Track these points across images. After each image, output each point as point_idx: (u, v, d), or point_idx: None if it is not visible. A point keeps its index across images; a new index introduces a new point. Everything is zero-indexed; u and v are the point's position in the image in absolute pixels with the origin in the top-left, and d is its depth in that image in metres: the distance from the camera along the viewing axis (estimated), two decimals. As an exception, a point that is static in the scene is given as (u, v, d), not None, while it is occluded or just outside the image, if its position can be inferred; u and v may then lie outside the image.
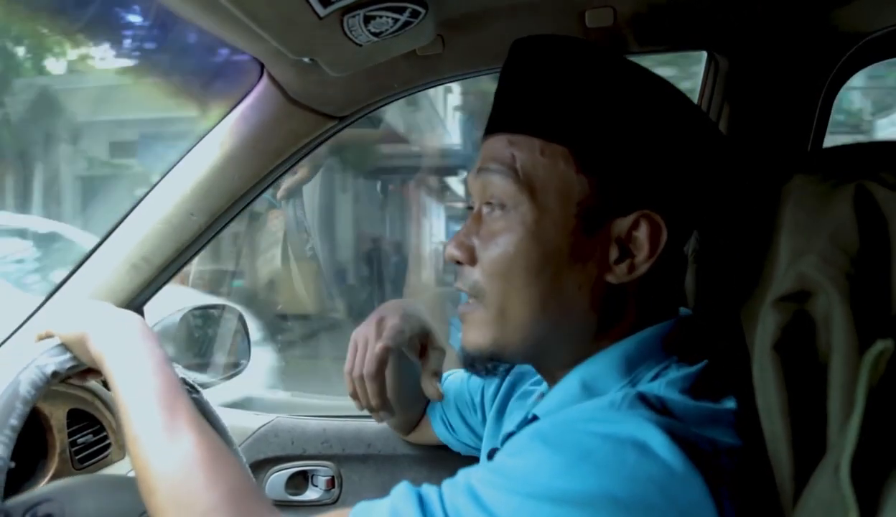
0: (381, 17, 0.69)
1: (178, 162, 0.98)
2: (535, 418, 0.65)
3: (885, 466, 0.38)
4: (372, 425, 1.14)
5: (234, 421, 1.11)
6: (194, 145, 0.97)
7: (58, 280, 1.01)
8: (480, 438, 0.87)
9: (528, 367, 0.80)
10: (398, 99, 0.98)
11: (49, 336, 0.70)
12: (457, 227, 0.71)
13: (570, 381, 0.63)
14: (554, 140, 0.60)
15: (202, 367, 1.17)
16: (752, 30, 0.90)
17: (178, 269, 1.05)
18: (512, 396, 0.80)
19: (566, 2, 0.85)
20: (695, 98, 0.99)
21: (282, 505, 1.16)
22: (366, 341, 0.83)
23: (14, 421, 0.61)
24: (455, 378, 0.97)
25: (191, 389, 0.79)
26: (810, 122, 0.94)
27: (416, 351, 0.86)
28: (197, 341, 1.16)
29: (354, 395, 0.85)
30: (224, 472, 0.58)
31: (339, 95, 0.94)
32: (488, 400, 0.86)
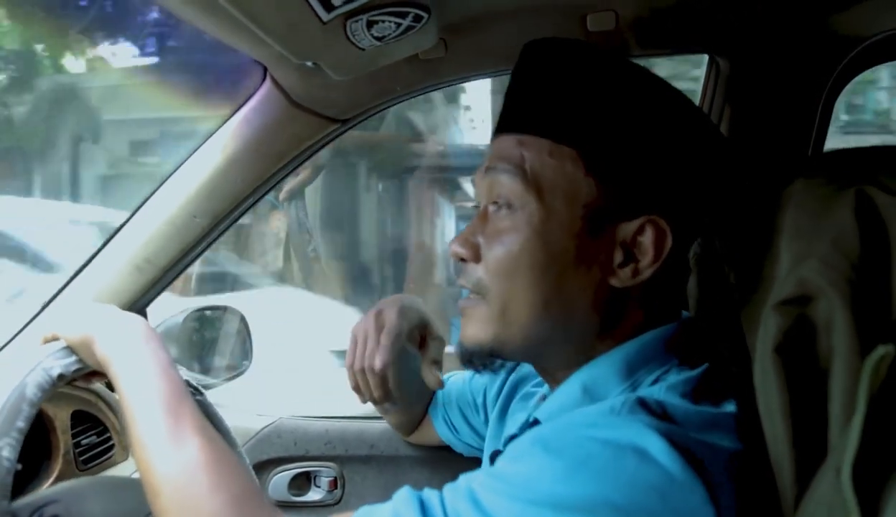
0: (384, 21, 0.70)
1: (181, 164, 0.98)
2: (536, 422, 0.65)
3: (886, 469, 0.38)
4: (375, 426, 1.15)
5: (236, 422, 1.11)
6: (198, 148, 0.97)
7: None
8: (483, 439, 0.87)
9: (530, 369, 0.80)
10: (400, 102, 0.98)
11: (55, 338, 0.70)
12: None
13: (572, 385, 0.63)
14: (563, 142, 0.60)
15: (204, 369, 1.17)
16: (753, 33, 0.90)
17: (181, 271, 1.05)
18: (514, 397, 0.81)
19: (568, 5, 0.85)
20: (694, 100, 0.99)
21: (284, 505, 1.16)
22: (365, 335, 0.83)
23: (21, 423, 0.61)
24: (457, 379, 0.97)
25: (194, 391, 0.79)
26: (811, 125, 0.94)
27: (415, 342, 0.86)
28: (199, 342, 1.16)
29: (356, 388, 0.85)
30: (228, 477, 0.58)
31: (341, 99, 0.94)
32: (490, 400, 0.86)
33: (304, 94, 0.91)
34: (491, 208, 0.63)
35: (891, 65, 0.95)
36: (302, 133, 0.97)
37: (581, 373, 0.63)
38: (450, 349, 0.91)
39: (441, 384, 0.86)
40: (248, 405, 1.21)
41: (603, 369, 0.62)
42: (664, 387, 0.57)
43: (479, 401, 0.90)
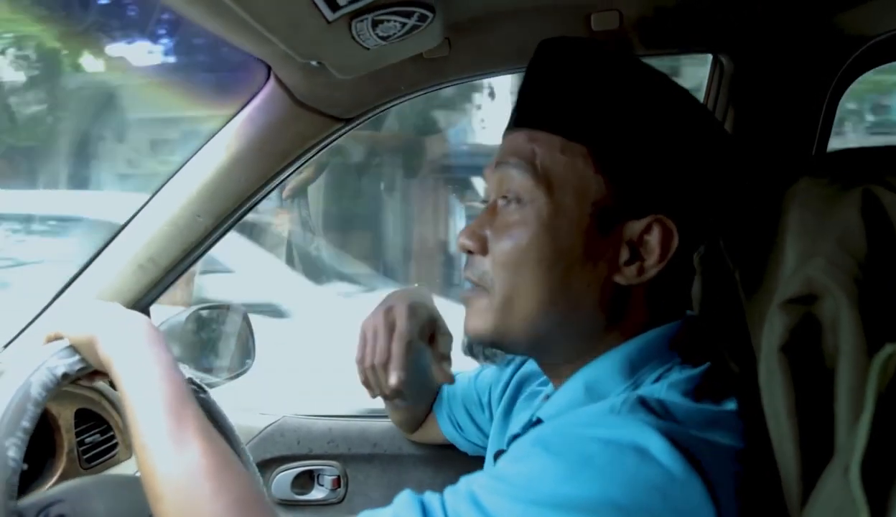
0: (389, 21, 0.70)
1: (184, 164, 0.98)
2: (538, 421, 0.65)
3: (894, 468, 0.38)
4: (378, 425, 1.15)
5: (239, 420, 1.11)
6: (201, 147, 0.97)
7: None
8: (487, 437, 0.87)
9: (535, 368, 0.80)
10: (404, 101, 0.98)
11: (58, 337, 0.70)
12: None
13: (574, 384, 0.63)
14: (574, 139, 0.60)
15: (207, 368, 1.17)
16: (757, 33, 0.90)
17: (184, 270, 1.05)
18: (519, 396, 0.81)
19: (572, 5, 0.85)
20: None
21: (288, 504, 1.16)
22: (375, 331, 0.82)
23: (26, 423, 0.61)
24: (462, 377, 0.97)
25: (198, 389, 0.79)
26: (815, 125, 0.94)
27: (425, 339, 0.86)
28: (202, 341, 1.16)
29: (366, 384, 0.85)
30: (230, 482, 0.57)
31: (345, 98, 0.94)
32: (495, 399, 0.86)
33: (308, 93, 0.91)
34: (500, 202, 0.64)
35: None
36: (305, 132, 0.96)
37: (584, 372, 0.63)
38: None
39: (452, 379, 0.86)
40: (252, 403, 1.21)
41: (605, 367, 0.62)
42: (665, 386, 0.57)
43: (485, 399, 0.91)
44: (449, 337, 0.87)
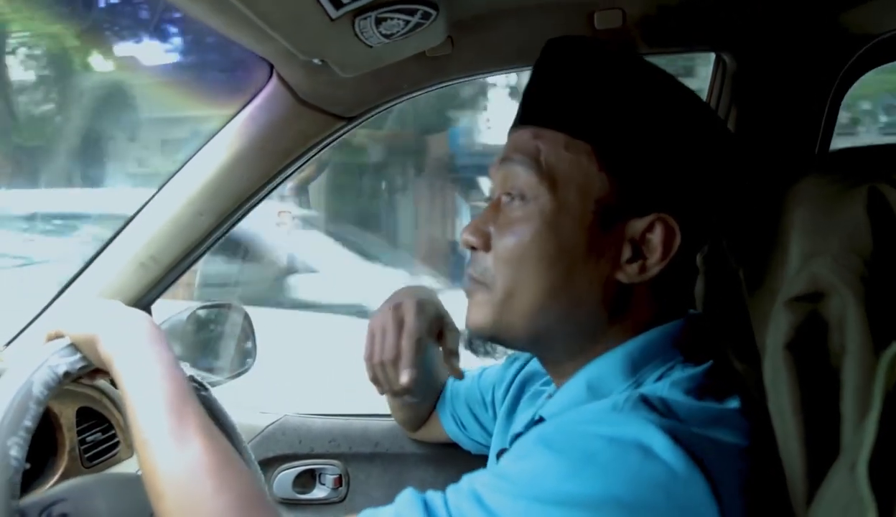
0: (392, 18, 0.69)
1: (186, 162, 0.98)
2: (541, 420, 0.65)
3: (902, 466, 0.38)
4: (379, 424, 1.15)
5: (241, 419, 1.11)
6: (203, 145, 0.97)
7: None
8: (491, 436, 0.87)
9: (539, 368, 0.80)
10: (407, 99, 0.98)
11: (59, 336, 0.70)
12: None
13: (577, 382, 0.63)
14: (578, 136, 0.60)
15: (208, 367, 1.17)
16: (760, 31, 0.90)
17: (186, 269, 1.05)
18: (522, 396, 0.81)
19: (576, 3, 0.85)
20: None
21: (289, 503, 1.16)
22: (384, 329, 0.82)
23: (28, 422, 0.61)
24: (466, 375, 0.97)
25: (199, 387, 0.79)
26: (818, 123, 0.94)
27: (433, 335, 0.86)
28: (203, 340, 1.16)
29: (375, 381, 0.85)
30: (232, 479, 0.57)
31: (348, 96, 0.94)
32: (499, 398, 0.86)
33: (311, 92, 0.91)
34: (504, 199, 0.64)
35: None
36: (308, 130, 0.96)
37: (586, 371, 0.63)
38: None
39: (461, 375, 0.86)
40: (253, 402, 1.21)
41: (607, 366, 0.62)
42: (668, 384, 0.57)
43: (488, 398, 0.91)
44: (456, 333, 0.87)
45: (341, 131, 0.99)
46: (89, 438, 0.98)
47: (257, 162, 0.96)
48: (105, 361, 0.65)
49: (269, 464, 1.16)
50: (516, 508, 0.49)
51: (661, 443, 0.49)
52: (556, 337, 0.64)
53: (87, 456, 0.96)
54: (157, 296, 1.06)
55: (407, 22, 0.71)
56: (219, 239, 1.04)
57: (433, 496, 0.53)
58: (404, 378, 0.79)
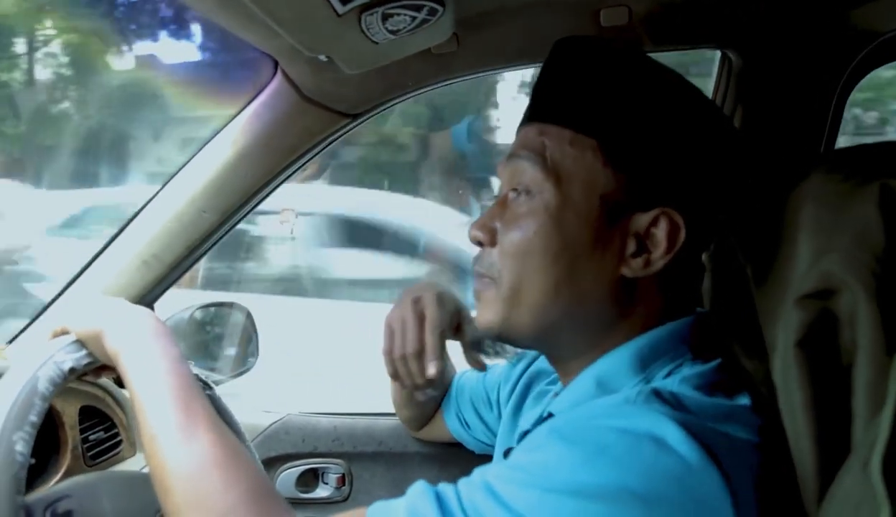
0: (399, 14, 0.69)
1: (190, 159, 0.98)
2: (550, 415, 0.65)
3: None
4: (383, 423, 1.15)
5: (244, 418, 1.10)
6: (207, 142, 0.97)
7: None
8: (495, 435, 0.87)
9: (544, 367, 0.80)
10: (411, 97, 0.98)
11: (64, 332, 0.70)
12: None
13: (585, 379, 0.63)
14: (583, 132, 0.61)
15: (211, 365, 1.17)
16: (765, 28, 0.90)
17: (189, 267, 1.05)
18: (528, 395, 0.80)
19: (582, 1, 0.85)
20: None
21: (292, 502, 1.14)
22: (403, 322, 0.82)
23: (34, 417, 0.60)
24: (471, 375, 0.97)
25: (205, 386, 0.79)
26: (824, 121, 0.94)
27: (452, 328, 0.86)
28: (206, 338, 1.16)
29: (395, 376, 0.84)
30: (241, 473, 0.57)
31: (352, 93, 0.94)
32: (504, 397, 0.86)
33: (315, 89, 0.91)
34: (511, 195, 0.64)
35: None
36: (312, 127, 0.96)
37: (594, 368, 0.63)
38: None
39: (484, 366, 0.86)
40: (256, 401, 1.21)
41: (616, 363, 0.62)
42: (677, 380, 0.57)
43: (493, 397, 0.90)
44: (474, 326, 0.87)
45: (346, 128, 0.98)
46: (92, 437, 0.98)
47: (261, 159, 0.96)
48: (111, 357, 0.65)
49: (272, 463, 1.16)
50: (530, 499, 0.48)
51: (674, 436, 0.49)
52: (563, 332, 0.64)
53: (89, 454, 0.96)
54: (161, 294, 1.06)
55: (413, 18, 0.71)
56: (222, 237, 1.03)
57: (445, 488, 0.53)
58: (431, 370, 0.79)
